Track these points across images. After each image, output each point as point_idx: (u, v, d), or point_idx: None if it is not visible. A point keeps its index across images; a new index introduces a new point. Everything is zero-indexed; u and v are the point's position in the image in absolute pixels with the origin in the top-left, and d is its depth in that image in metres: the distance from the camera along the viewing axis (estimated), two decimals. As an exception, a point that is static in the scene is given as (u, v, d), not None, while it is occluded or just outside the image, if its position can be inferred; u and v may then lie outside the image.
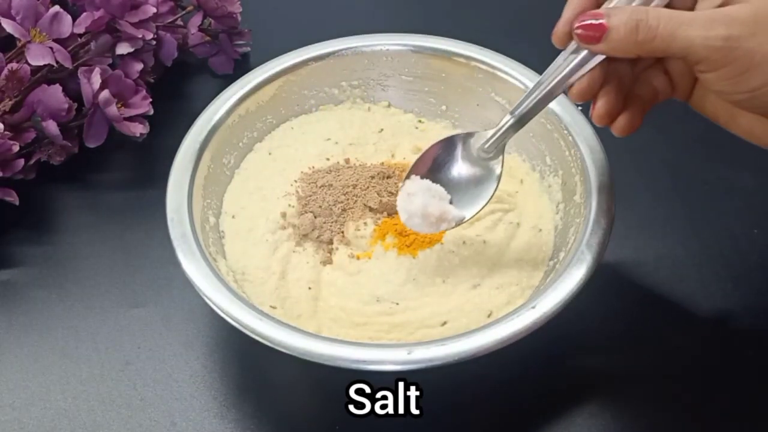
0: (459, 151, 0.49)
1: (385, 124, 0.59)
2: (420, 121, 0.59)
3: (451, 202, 0.49)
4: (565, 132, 0.52)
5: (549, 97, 0.45)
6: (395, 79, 0.59)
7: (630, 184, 0.59)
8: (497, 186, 0.48)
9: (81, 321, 0.54)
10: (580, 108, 0.53)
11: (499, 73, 0.56)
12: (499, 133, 0.47)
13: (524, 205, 0.54)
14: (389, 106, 0.60)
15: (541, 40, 0.73)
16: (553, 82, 0.44)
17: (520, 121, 0.46)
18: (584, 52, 0.43)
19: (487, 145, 0.48)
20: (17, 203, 0.58)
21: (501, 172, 0.48)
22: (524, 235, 0.52)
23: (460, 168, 0.49)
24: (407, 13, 0.75)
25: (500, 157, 0.48)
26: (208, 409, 0.49)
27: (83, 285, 0.56)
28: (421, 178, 0.49)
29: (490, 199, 0.48)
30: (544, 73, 0.45)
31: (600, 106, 0.44)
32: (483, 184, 0.48)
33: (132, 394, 0.50)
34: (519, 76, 0.55)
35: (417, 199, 0.48)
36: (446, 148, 0.49)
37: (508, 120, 0.46)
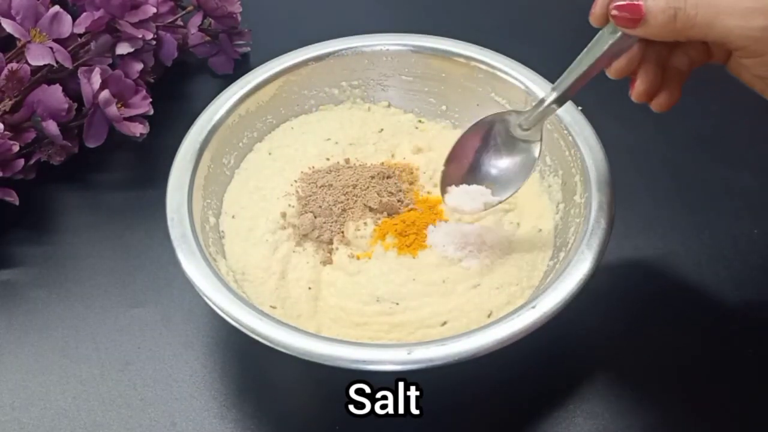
0: (495, 135, 0.49)
1: (385, 124, 0.59)
2: (420, 121, 0.59)
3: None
4: (565, 132, 0.52)
5: (589, 74, 0.45)
6: (395, 79, 0.59)
7: (630, 184, 0.59)
8: (533, 166, 0.49)
9: (81, 321, 0.54)
10: (580, 108, 0.53)
11: (499, 73, 0.56)
12: (539, 110, 0.47)
13: (524, 205, 0.54)
14: (389, 106, 0.60)
15: (541, 40, 0.74)
16: (592, 60, 0.44)
17: (561, 99, 0.46)
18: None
19: (527, 122, 0.48)
20: (17, 203, 0.58)
21: (539, 154, 0.48)
22: (524, 235, 0.52)
23: (496, 155, 0.50)
24: (407, 13, 0.75)
25: (538, 139, 0.48)
26: (208, 409, 0.49)
27: (83, 285, 0.56)
28: (457, 185, 0.50)
29: (526, 179, 0.49)
30: (584, 50, 0.45)
31: (639, 84, 0.45)
32: (520, 166, 0.49)
33: (132, 394, 0.50)
34: (519, 76, 0.55)
35: (464, 206, 0.50)
36: (479, 135, 0.49)
37: (550, 97, 0.46)
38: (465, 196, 0.50)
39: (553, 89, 0.46)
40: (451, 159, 0.50)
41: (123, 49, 0.61)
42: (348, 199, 0.52)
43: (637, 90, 0.45)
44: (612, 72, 0.45)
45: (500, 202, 0.50)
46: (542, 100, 0.47)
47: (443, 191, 0.50)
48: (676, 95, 0.46)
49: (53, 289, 0.55)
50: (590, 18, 0.44)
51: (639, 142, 0.63)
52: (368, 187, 0.53)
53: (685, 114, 0.64)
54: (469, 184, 0.50)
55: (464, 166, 0.50)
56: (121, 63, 0.62)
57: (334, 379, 0.49)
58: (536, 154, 0.48)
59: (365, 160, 0.56)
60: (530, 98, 0.54)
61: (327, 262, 0.51)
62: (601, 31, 0.44)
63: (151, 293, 0.55)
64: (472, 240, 0.51)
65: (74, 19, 0.59)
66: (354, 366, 0.42)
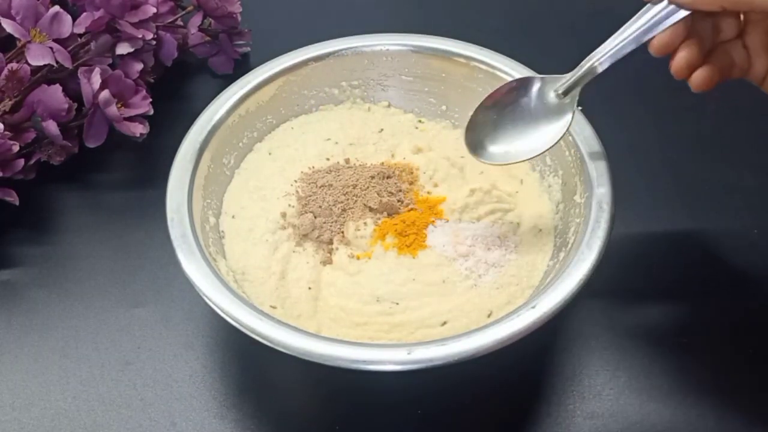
0: (528, 95, 0.49)
1: (385, 124, 0.59)
2: (420, 121, 0.59)
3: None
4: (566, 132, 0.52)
5: (630, 44, 0.45)
6: (395, 79, 0.59)
7: (630, 184, 0.59)
8: (562, 133, 0.48)
9: (81, 321, 0.54)
10: (580, 108, 0.53)
11: (499, 73, 0.56)
12: (577, 75, 0.47)
13: (524, 205, 0.54)
14: (389, 106, 0.60)
15: (541, 40, 0.73)
16: (636, 31, 0.44)
17: (597, 69, 0.47)
18: (670, 6, 0.43)
19: (563, 88, 0.48)
20: (17, 203, 0.58)
21: (571, 121, 0.48)
22: (524, 236, 0.52)
23: (526, 116, 0.49)
24: (407, 13, 0.75)
25: (572, 108, 0.48)
26: (208, 409, 0.49)
27: (83, 285, 0.56)
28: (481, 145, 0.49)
29: (551, 146, 0.48)
30: (627, 23, 0.45)
31: (681, 56, 0.45)
32: (548, 131, 0.49)
33: (132, 394, 0.50)
34: (519, 76, 0.55)
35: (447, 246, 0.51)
36: (511, 93, 0.49)
37: (588, 63, 0.47)
38: (449, 236, 0.50)
39: (592, 56, 0.46)
40: (482, 110, 0.50)
41: (123, 49, 0.61)
42: (348, 199, 0.52)
43: (678, 62, 0.45)
44: (654, 47, 0.45)
45: (522, 161, 0.50)
46: (580, 66, 0.47)
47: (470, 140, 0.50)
48: (716, 76, 0.45)
49: (53, 289, 0.55)
50: None
51: (639, 142, 0.63)
52: (368, 187, 0.53)
53: (685, 114, 0.64)
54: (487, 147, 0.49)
55: (492, 120, 0.50)
56: (121, 63, 0.62)
57: (334, 379, 0.49)
58: (568, 120, 0.48)
59: (365, 160, 0.56)
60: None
61: (327, 262, 0.51)
62: (647, 4, 0.44)
63: (151, 293, 0.55)
64: (472, 240, 0.51)
65: (74, 19, 0.60)
66: (354, 366, 0.42)
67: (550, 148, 0.49)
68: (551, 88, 0.49)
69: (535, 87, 0.49)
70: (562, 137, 0.48)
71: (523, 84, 0.50)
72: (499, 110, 0.50)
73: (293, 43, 0.58)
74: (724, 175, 0.61)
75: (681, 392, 0.50)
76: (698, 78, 0.46)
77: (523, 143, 0.49)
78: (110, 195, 0.61)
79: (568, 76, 0.48)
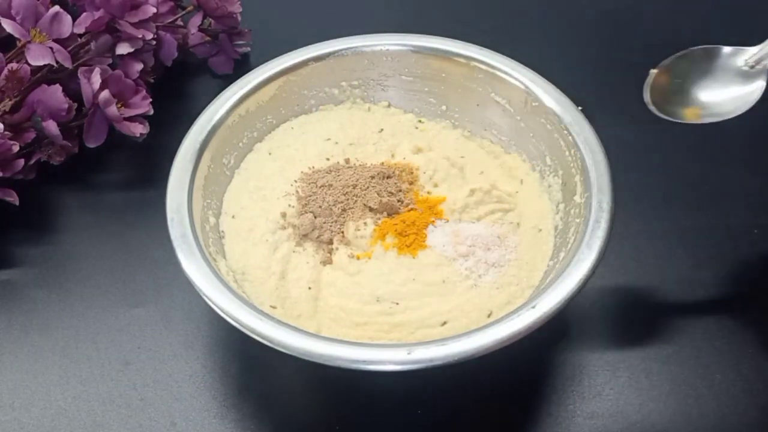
0: (715, 62, 0.50)
1: (385, 124, 0.59)
2: (420, 121, 0.59)
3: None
4: (565, 132, 0.52)
5: None
6: (395, 79, 0.59)
7: (630, 184, 0.59)
8: (755, 99, 0.49)
9: (81, 321, 0.54)
10: (580, 108, 0.53)
11: (499, 73, 0.56)
12: (765, 49, 0.48)
13: (524, 205, 0.54)
14: (389, 106, 0.60)
15: (540, 40, 0.74)
16: None
17: None
18: None
19: (753, 59, 0.48)
20: (17, 203, 0.58)
21: (765, 85, 0.48)
22: (524, 235, 0.52)
23: (713, 80, 0.50)
24: (407, 13, 0.75)
25: (764, 76, 0.48)
26: (208, 409, 0.49)
27: (83, 285, 0.56)
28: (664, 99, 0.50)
29: (743, 110, 0.49)
30: None
31: None
32: (739, 96, 0.49)
33: (132, 394, 0.50)
34: (519, 76, 0.55)
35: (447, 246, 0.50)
36: (698, 60, 0.50)
37: None
38: (450, 237, 0.50)
39: None
40: (664, 74, 0.50)
41: (123, 49, 0.61)
42: (348, 199, 0.52)
43: None
44: None
45: (716, 121, 0.50)
46: None
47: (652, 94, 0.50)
48: None
49: (53, 289, 0.55)
50: None
51: (639, 142, 0.63)
52: (368, 187, 0.53)
53: (685, 114, 0.64)
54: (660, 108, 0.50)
55: (677, 84, 0.50)
56: (121, 63, 0.62)
57: (334, 379, 0.49)
58: (762, 86, 0.48)
59: (365, 160, 0.56)
60: (530, 98, 0.54)
61: (327, 262, 0.51)
62: None
63: (151, 293, 0.55)
64: (472, 240, 0.51)
65: (74, 19, 0.60)
66: (354, 366, 0.42)
67: (746, 110, 0.49)
68: (739, 58, 0.49)
69: (721, 56, 0.50)
70: (755, 101, 0.48)
71: (707, 53, 0.50)
72: (684, 75, 0.50)
73: (293, 43, 0.58)
74: (724, 175, 0.61)
75: (681, 392, 0.50)
76: None
77: (716, 105, 0.50)
78: (110, 195, 0.61)
79: (756, 48, 0.48)
